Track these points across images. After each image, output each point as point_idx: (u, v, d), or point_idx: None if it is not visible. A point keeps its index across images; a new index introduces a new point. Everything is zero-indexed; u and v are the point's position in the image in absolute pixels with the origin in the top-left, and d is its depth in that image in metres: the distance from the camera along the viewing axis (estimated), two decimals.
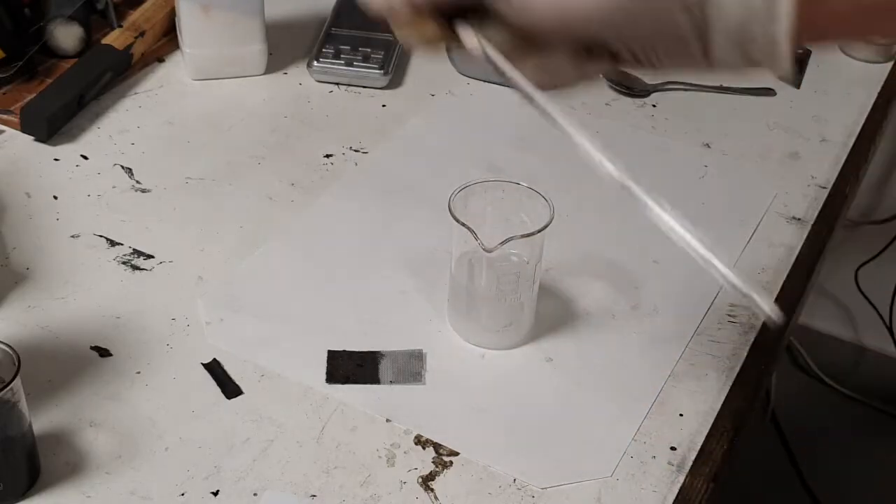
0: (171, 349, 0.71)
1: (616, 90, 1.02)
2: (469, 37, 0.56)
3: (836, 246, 0.96)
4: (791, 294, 0.79)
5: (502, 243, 0.66)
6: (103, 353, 0.70)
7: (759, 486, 1.62)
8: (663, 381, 0.71)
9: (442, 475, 0.64)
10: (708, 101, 1.02)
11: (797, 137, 0.98)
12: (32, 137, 0.89)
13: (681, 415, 0.69)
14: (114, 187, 0.85)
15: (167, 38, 1.03)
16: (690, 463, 0.65)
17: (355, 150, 0.91)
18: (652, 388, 0.70)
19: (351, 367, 0.70)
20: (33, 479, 0.61)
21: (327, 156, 0.91)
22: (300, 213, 0.84)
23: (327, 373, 0.70)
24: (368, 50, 1.01)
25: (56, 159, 0.88)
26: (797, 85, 1.05)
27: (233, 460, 0.64)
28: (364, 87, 1.00)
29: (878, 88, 1.06)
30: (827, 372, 1.75)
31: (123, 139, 0.91)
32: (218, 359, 0.70)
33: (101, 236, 0.80)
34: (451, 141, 0.94)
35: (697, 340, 0.74)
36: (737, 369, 0.72)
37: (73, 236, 0.80)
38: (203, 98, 0.97)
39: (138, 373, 0.69)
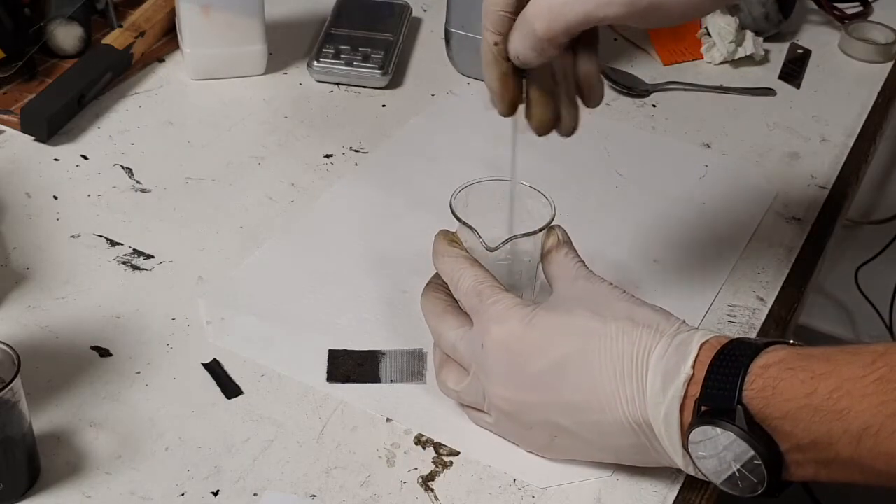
0: (171, 349, 0.71)
1: (616, 90, 1.02)
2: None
3: (836, 246, 0.96)
4: (791, 294, 0.79)
5: (505, 242, 0.66)
6: (103, 353, 0.70)
7: None
8: None
9: (442, 475, 0.64)
10: (708, 101, 1.02)
11: (797, 137, 0.98)
12: (32, 137, 0.89)
13: None
14: (114, 187, 0.85)
15: (167, 38, 1.03)
16: None
17: (355, 150, 0.91)
18: None
19: (351, 367, 0.70)
20: (33, 479, 0.61)
21: (327, 156, 0.91)
22: (300, 213, 0.84)
23: (328, 372, 0.70)
24: (368, 50, 1.01)
25: (56, 159, 0.88)
26: (797, 86, 1.05)
27: (233, 460, 0.64)
28: (364, 87, 1.00)
29: (878, 88, 1.06)
30: None
31: (123, 139, 0.91)
32: (218, 359, 0.70)
33: (101, 236, 0.80)
34: (451, 141, 0.94)
35: None
36: None
37: (73, 236, 0.80)
38: (203, 98, 0.97)
39: (138, 373, 0.69)
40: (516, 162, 0.69)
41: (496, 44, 0.63)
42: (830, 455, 0.53)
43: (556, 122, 0.67)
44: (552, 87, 0.65)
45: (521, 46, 0.62)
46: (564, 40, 0.62)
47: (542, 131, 0.66)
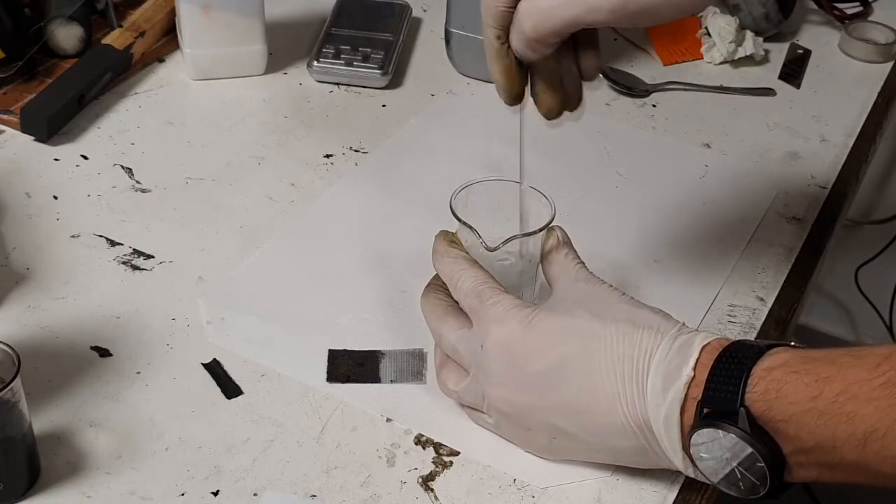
0: (171, 349, 0.71)
1: (616, 90, 1.02)
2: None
3: (836, 246, 0.96)
4: (791, 294, 0.79)
5: (504, 242, 0.66)
6: (103, 353, 0.70)
7: None
8: None
9: (442, 475, 0.64)
10: (708, 101, 1.02)
11: (797, 137, 0.98)
12: (32, 137, 0.89)
13: None
14: (114, 187, 0.85)
15: (167, 38, 1.03)
16: None
17: (355, 150, 0.91)
18: None
19: (351, 366, 0.70)
20: (33, 479, 0.61)
21: (327, 156, 0.91)
22: (300, 213, 0.84)
23: (328, 371, 0.70)
24: (368, 50, 1.01)
25: (56, 159, 0.88)
26: (797, 86, 1.05)
27: (233, 460, 0.64)
28: (364, 87, 1.00)
29: (878, 88, 1.06)
30: None
31: (123, 139, 0.91)
32: (218, 359, 0.70)
33: (101, 236, 0.80)
34: (451, 141, 0.94)
35: None
36: None
37: (73, 236, 0.80)
38: (203, 98, 0.97)
39: (138, 373, 0.69)
40: (524, 158, 0.69)
41: (498, 38, 0.63)
42: (835, 458, 0.53)
43: (565, 107, 0.67)
44: (558, 76, 0.66)
45: (516, 43, 0.63)
46: (554, 41, 0.62)
47: (551, 116, 0.67)
